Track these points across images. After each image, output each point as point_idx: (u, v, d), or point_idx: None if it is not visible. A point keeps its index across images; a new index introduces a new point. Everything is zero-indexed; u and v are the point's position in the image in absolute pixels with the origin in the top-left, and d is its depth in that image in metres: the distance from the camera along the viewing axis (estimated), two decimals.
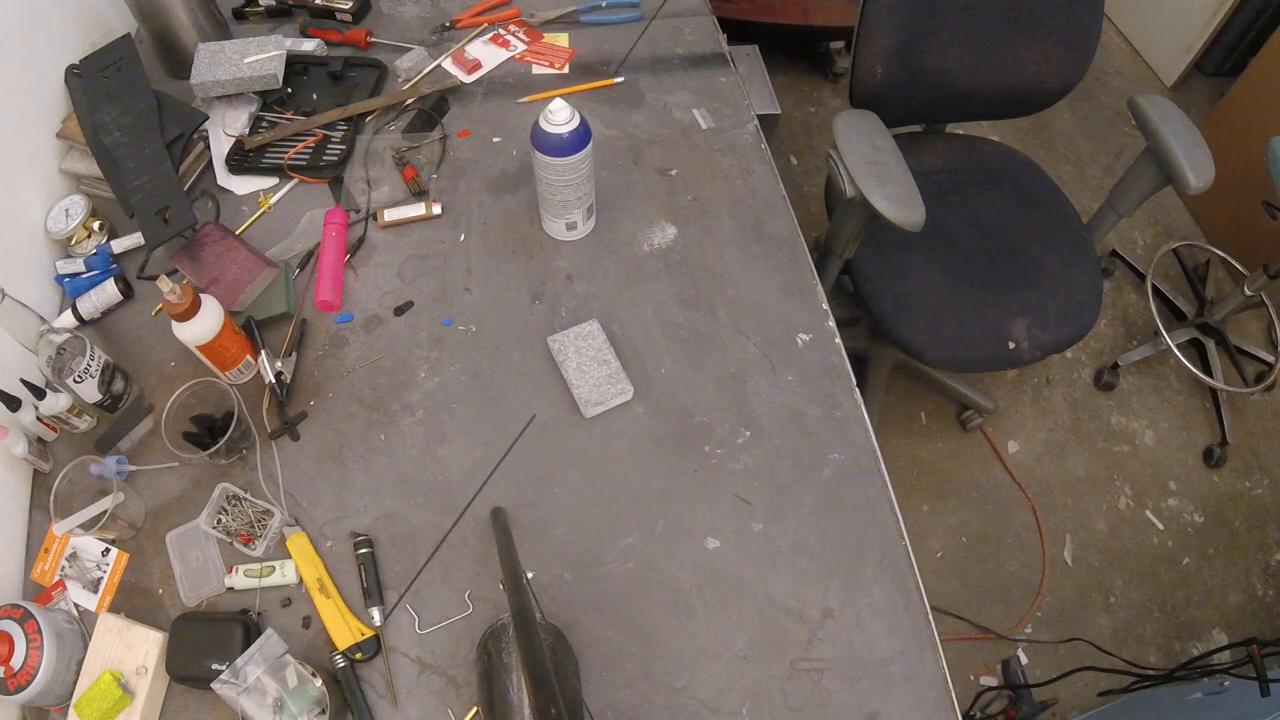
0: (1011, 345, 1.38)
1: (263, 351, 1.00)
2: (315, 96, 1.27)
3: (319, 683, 0.79)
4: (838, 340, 1.06)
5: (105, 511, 0.86)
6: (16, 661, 0.78)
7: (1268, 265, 1.85)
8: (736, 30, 1.86)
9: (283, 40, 1.26)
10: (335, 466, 0.96)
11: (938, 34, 1.37)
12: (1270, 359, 2.06)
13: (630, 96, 1.29)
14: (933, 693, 0.84)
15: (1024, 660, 1.70)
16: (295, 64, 1.28)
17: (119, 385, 0.97)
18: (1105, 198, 1.46)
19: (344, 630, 0.85)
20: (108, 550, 0.91)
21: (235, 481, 0.94)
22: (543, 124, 0.97)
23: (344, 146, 1.21)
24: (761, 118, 1.30)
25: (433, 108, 1.27)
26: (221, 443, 0.90)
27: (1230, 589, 1.81)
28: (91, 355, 0.92)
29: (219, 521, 0.90)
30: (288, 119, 1.23)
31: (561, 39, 1.36)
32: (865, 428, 0.99)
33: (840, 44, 2.48)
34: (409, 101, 1.26)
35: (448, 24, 1.37)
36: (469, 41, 1.35)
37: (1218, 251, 2.24)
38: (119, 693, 0.79)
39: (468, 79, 1.30)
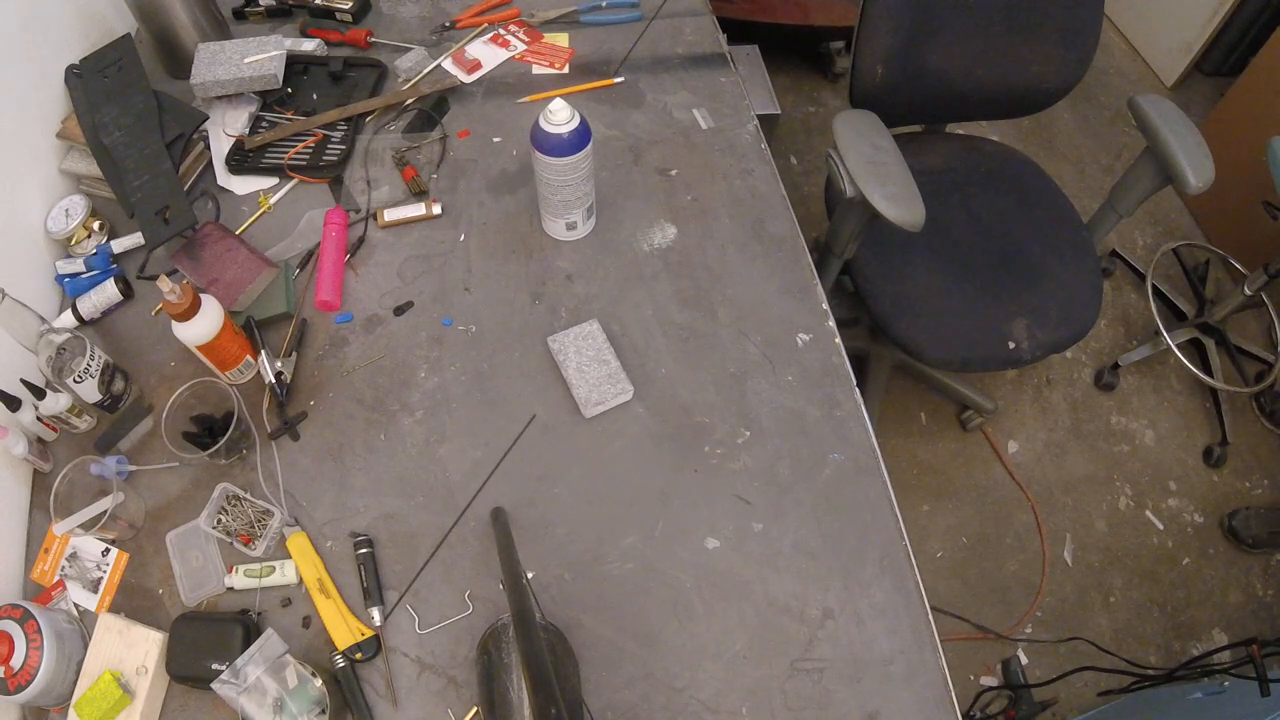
0: (1011, 345, 1.38)
1: (263, 351, 1.00)
2: (315, 96, 1.27)
3: (319, 683, 0.79)
4: (838, 340, 1.06)
5: (105, 511, 0.85)
6: (16, 661, 0.78)
7: (1268, 265, 1.85)
8: (736, 30, 1.86)
9: (283, 40, 1.25)
10: (335, 466, 0.96)
11: (938, 34, 1.37)
12: (1270, 359, 2.06)
13: (630, 96, 1.29)
14: (933, 693, 0.84)
15: (1024, 660, 1.70)
16: (295, 64, 1.28)
17: (119, 385, 0.97)
18: (1105, 198, 1.46)
19: (344, 630, 0.85)
20: (108, 550, 0.91)
21: (235, 481, 0.94)
22: (543, 124, 0.97)
23: (344, 146, 1.21)
24: (761, 118, 1.30)
25: (433, 108, 1.27)
26: (221, 443, 0.90)
27: (1230, 589, 1.81)
28: (91, 355, 0.92)
29: (219, 521, 0.90)
30: (288, 119, 1.23)
31: (561, 39, 1.36)
32: (865, 428, 0.99)
33: (840, 44, 2.48)
34: (409, 101, 1.26)
35: (448, 24, 1.37)
36: (469, 41, 1.35)
37: (1218, 251, 2.24)
38: (119, 693, 0.79)
39: (468, 79, 1.30)
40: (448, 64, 1.32)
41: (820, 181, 2.33)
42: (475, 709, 0.83)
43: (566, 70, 1.32)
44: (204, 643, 0.82)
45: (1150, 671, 1.59)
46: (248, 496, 0.92)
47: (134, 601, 0.89)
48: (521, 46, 1.35)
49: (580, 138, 0.98)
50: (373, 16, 1.39)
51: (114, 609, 0.88)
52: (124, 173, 1.10)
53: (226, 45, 1.23)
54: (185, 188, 1.15)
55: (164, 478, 0.96)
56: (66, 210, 1.10)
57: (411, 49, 1.32)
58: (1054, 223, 1.51)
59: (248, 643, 0.81)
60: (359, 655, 0.84)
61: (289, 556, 0.90)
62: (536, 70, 1.32)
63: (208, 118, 1.19)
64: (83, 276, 1.08)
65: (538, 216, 1.14)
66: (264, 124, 1.23)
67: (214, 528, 0.89)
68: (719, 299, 1.09)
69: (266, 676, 0.77)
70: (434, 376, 1.02)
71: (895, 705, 0.84)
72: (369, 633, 0.86)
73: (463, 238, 1.14)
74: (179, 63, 1.26)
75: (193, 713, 0.83)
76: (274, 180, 1.19)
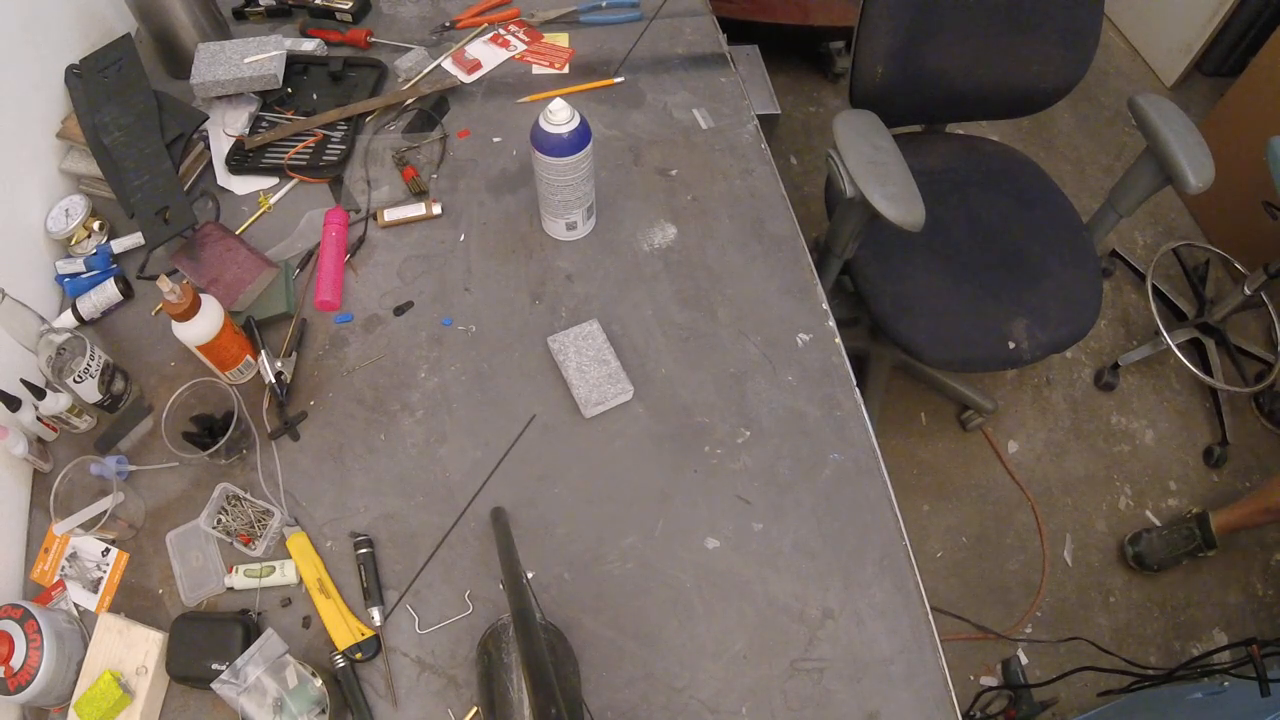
0: (1011, 345, 1.38)
1: (263, 351, 1.00)
2: (315, 96, 1.27)
3: (319, 683, 0.79)
4: (838, 340, 1.06)
5: (105, 511, 0.85)
6: (16, 661, 0.78)
7: (1268, 265, 1.85)
8: (736, 30, 1.86)
9: (283, 40, 1.25)
10: (335, 466, 0.96)
11: (938, 34, 1.37)
12: (1270, 359, 2.06)
13: (630, 96, 1.29)
14: (933, 693, 0.84)
15: (1024, 660, 1.70)
16: (295, 64, 1.28)
17: (119, 385, 0.97)
18: (1105, 198, 1.46)
19: (344, 630, 0.85)
20: (108, 550, 0.91)
21: (235, 481, 0.94)
22: (543, 124, 0.97)
23: (344, 146, 1.21)
24: (761, 118, 1.30)
25: (433, 108, 1.27)
26: (221, 443, 0.90)
27: (1230, 589, 1.81)
28: (91, 355, 0.92)
29: (219, 521, 0.90)
30: (288, 119, 1.23)
31: (561, 39, 1.36)
32: (865, 428, 0.99)
33: (840, 44, 2.48)
34: (409, 101, 1.26)
35: (448, 24, 1.37)
36: (469, 41, 1.35)
37: (1218, 251, 2.24)
38: (119, 693, 0.79)
39: (468, 79, 1.30)
40: (448, 64, 1.32)
41: (820, 181, 2.32)
42: (475, 709, 0.83)
43: (566, 70, 1.32)
44: (204, 643, 0.82)
45: (1150, 671, 1.59)
46: (248, 496, 0.92)
47: (134, 601, 0.89)
48: (521, 46, 1.35)
49: (580, 138, 0.98)
50: (373, 16, 1.39)
51: (114, 609, 0.88)
52: (124, 173, 1.10)
53: (226, 45, 1.23)
54: (185, 188, 1.15)
55: (164, 478, 0.96)
56: (66, 210, 1.10)
57: (411, 49, 1.32)
58: (1054, 223, 1.51)
59: (248, 643, 0.81)
60: (359, 655, 0.84)
61: (289, 556, 0.90)
62: (536, 70, 1.32)
63: (208, 118, 1.19)
64: (83, 276, 1.08)
65: (538, 216, 1.14)
66: (264, 124, 1.23)
67: (214, 528, 0.89)
68: (719, 299, 1.09)
69: (266, 676, 0.77)
70: (434, 376, 1.02)
71: (895, 705, 0.84)
72: (369, 633, 0.86)
73: (463, 238, 1.14)
74: (179, 63, 1.25)
75: (193, 713, 0.83)
76: (274, 180, 1.19)
